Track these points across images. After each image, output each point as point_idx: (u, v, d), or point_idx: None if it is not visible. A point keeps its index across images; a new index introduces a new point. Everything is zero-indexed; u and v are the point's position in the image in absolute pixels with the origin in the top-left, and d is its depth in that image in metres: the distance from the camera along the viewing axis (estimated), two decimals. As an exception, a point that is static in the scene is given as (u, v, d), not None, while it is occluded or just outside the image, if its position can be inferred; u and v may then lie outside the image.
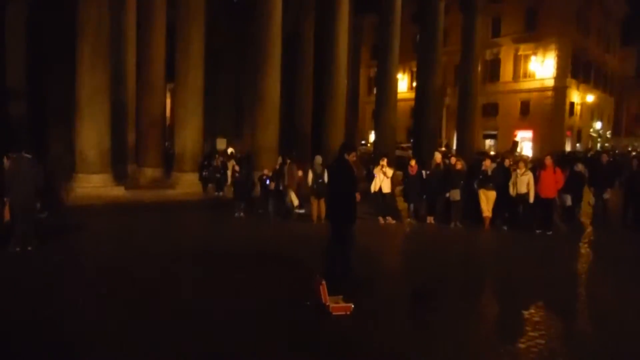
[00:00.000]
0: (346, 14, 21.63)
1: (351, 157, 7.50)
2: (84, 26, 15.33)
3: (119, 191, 15.78)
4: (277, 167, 14.59)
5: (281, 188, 13.80)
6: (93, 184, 15.28)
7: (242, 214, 13.92)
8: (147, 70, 19.62)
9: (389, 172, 13.55)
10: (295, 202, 13.72)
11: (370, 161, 21.14)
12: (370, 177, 14.27)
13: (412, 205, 13.95)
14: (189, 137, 17.80)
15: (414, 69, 40.07)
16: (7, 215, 8.71)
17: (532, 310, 6.54)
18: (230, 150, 21.52)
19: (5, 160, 9.53)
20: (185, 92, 17.74)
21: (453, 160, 14.38)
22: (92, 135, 15.49)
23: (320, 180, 12.97)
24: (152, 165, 19.52)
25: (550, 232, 12.33)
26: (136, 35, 20.36)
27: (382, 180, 13.45)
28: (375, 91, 26.94)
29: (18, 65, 21.61)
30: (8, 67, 20.86)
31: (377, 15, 25.50)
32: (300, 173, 13.94)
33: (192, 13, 17.42)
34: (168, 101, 22.91)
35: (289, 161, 14.23)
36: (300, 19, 25.16)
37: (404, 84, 47.07)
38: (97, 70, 15.42)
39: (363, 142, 44.19)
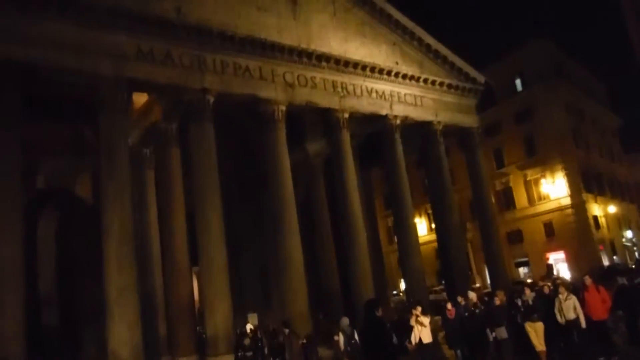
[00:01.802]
0: (352, 170, 22.66)
1: (380, 312, 7.26)
2: (109, 228, 16.13)
3: (153, 388, 15.17)
4: (276, 336, 14.04)
5: None
6: (127, 384, 14.77)
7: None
8: (172, 257, 20.08)
9: (425, 320, 13.02)
10: None
11: (405, 310, 20.45)
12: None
13: (458, 351, 13.17)
14: (219, 319, 17.56)
15: (430, 211, 40.70)
16: None
17: None
18: (249, 327, 20.98)
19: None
20: (211, 274, 17.93)
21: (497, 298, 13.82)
22: (123, 332, 15.39)
23: (352, 342, 12.45)
24: (186, 354, 18.95)
25: (616, 358, 11.37)
26: (158, 224, 21.29)
27: (421, 330, 12.88)
28: (396, 239, 27.08)
29: (49, 272, 22.34)
30: (40, 277, 21.51)
31: (382, 167, 26.67)
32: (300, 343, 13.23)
33: (209, 201, 18.33)
34: (195, 284, 23.05)
35: (286, 331, 13.31)
36: (311, 184, 26.39)
37: (423, 227, 47.38)
38: (124, 268, 15.86)
39: (395, 291, 43.17)
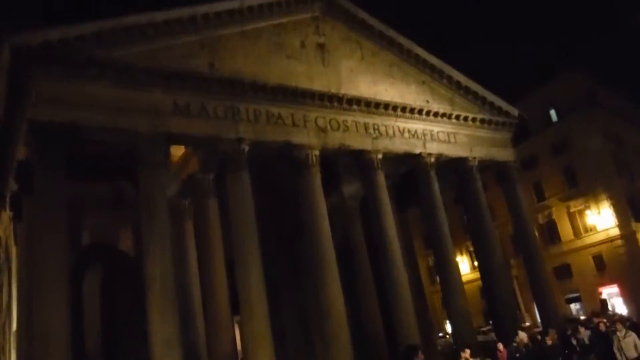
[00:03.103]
0: (389, 211, 22.40)
1: (420, 358, 7.00)
2: (151, 280, 16.33)
3: None
4: None
5: None
6: None
7: None
8: (213, 308, 20.03)
9: (477, 363, 12.51)
10: None
11: (454, 353, 19.69)
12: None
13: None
14: (262, 368, 17.30)
15: (471, 248, 39.75)
16: None
17: None
18: None
19: None
20: (252, 323, 17.79)
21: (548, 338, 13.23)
22: (167, 386, 15.30)
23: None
24: (230, 406, 18.67)
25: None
26: (199, 275, 21.42)
27: (472, 374, 12.36)
28: (438, 279, 26.43)
29: (94, 328, 22.57)
30: (86, 333, 21.75)
31: (419, 206, 26.34)
32: None
33: (247, 250, 18.40)
34: (237, 333, 22.90)
35: None
36: (348, 226, 26.24)
37: (465, 265, 46.20)
38: (167, 320, 15.93)
39: (441, 334, 41.80)
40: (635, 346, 11.07)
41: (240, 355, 22.53)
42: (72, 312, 15.35)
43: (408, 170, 25.06)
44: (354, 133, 22.27)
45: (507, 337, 17.82)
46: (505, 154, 27.67)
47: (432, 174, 24.24)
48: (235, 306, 19.02)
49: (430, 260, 42.76)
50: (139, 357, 17.79)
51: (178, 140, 19.30)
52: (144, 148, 17.52)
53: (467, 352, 12.85)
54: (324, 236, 19.97)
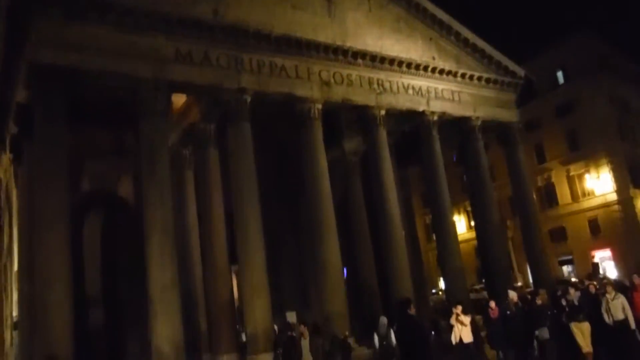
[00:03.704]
0: (389, 168, 22.44)
1: (412, 311, 7.13)
2: (151, 227, 16.52)
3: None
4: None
5: None
6: (170, 381, 15.09)
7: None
8: (211, 256, 20.37)
9: (466, 319, 12.81)
10: None
11: (445, 310, 20.17)
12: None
13: (500, 352, 12.90)
14: (259, 317, 17.74)
15: (469, 208, 40.03)
16: None
17: None
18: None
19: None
20: (250, 273, 18.13)
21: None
22: (166, 330, 15.74)
23: (385, 343, 12.35)
24: (226, 351, 19.21)
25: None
26: (198, 224, 21.68)
27: (461, 329, 12.68)
28: (434, 237, 26.76)
29: (94, 273, 22.99)
30: (86, 277, 22.18)
31: (420, 164, 26.37)
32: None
33: (246, 201, 18.53)
34: (235, 282, 23.36)
35: (302, 327, 12.20)
36: (348, 182, 26.32)
37: (461, 224, 46.60)
38: (166, 267, 16.22)
39: (434, 290, 42.65)
40: (623, 308, 11.32)
41: (237, 303, 23.10)
42: (72, 256, 15.61)
43: (410, 128, 24.92)
44: (357, 88, 22.01)
45: (499, 296, 18.20)
46: (509, 115, 27.46)
47: (435, 132, 24.12)
48: (233, 256, 19.34)
49: (428, 219, 43.07)
50: (138, 302, 18.22)
51: (180, 88, 19.10)
52: (146, 95, 17.36)
53: (459, 308, 13.16)
54: (324, 189, 20.08)
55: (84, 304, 20.57)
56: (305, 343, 11.02)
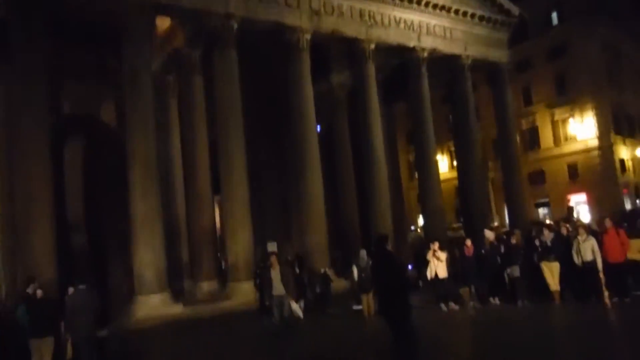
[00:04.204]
0: (376, 104, 22.33)
1: (390, 247, 7.27)
2: (133, 154, 16.39)
3: (177, 309, 15.93)
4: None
5: (267, 303, 11.82)
6: (152, 305, 15.51)
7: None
8: (194, 186, 20.43)
9: (442, 256, 13.23)
10: (299, 312, 11.79)
11: (422, 246, 20.74)
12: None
13: (472, 288, 13.41)
14: (240, 247, 18.07)
15: (452, 148, 40.27)
16: (70, 352, 8.75)
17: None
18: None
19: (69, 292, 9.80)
20: (232, 204, 18.28)
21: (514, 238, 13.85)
22: (147, 256, 15.98)
23: (363, 275, 12.75)
24: (207, 278, 19.71)
25: (628, 299, 11.48)
26: (182, 153, 21.55)
27: (437, 265, 13.11)
28: (417, 175, 27.08)
29: (76, 198, 22.94)
30: (68, 202, 22.14)
31: (407, 101, 26.23)
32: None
33: (231, 131, 18.37)
34: (217, 213, 23.55)
35: (273, 257, 11.76)
36: (334, 116, 26.14)
37: (444, 164, 47.00)
38: (148, 194, 16.23)
39: (412, 227, 43.59)
40: (592, 250, 11.73)
41: (219, 233, 23.42)
42: (53, 180, 15.50)
43: (399, 64, 24.54)
44: (348, 19, 21.41)
45: (476, 234, 18.73)
46: (499, 55, 27.14)
47: (424, 69, 23.83)
48: (217, 186, 19.40)
49: (411, 157, 43.27)
50: (121, 228, 18.36)
51: (165, 11, 18.38)
52: (130, 16, 16.71)
53: (436, 244, 13.55)
54: (309, 124, 19.96)
55: (66, 228, 20.66)
56: (275, 273, 11.17)
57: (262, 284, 12.92)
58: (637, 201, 43.09)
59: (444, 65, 25.37)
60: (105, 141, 22.85)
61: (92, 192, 22.79)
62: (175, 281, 18.78)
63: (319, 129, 21.23)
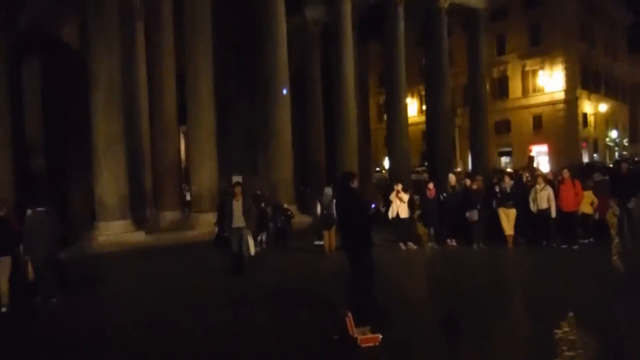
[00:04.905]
0: (350, 43, 21.95)
1: (355, 184, 7.27)
2: (97, 78, 15.78)
3: (139, 236, 15.92)
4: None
5: (226, 234, 11.43)
6: (114, 231, 15.45)
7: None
8: (160, 115, 19.99)
9: (405, 197, 13.51)
10: (252, 249, 11.24)
11: (386, 188, 21.08)
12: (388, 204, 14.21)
13: (432, 229, 13.82)
14: (204, 178, 17.98)
15: (423, 93, 40.30)
16: (30, 273, 8.73)
17: (567, 329, 6.35)
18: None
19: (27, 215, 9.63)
20: (198, 134, 18.00)
21: (468, 181, 14.25)
22: (110, 182, 15.75)
23: (325, 212, 12.96)
24: (171, 208, 19.66)
25: (576, 247, 12.09)
26: (147, 82, 20.85)
27: (399, 205, 13.40)
28: (386, 117, 27.12)
29: (35, 119, 22.13)
30: (26, 123, 21.35)
31: (381, 42, 25.84)
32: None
33: (200, 59, 17.80)
34: (182, 143, 23.17)
35: (237, 188, 11.16)
36: (306, 53, 25.59)
37: (413, 108, 47.19)
38: (112, 120, 15.80)
39: (377, 169, 44.11)
40: (548, 199, 12.21)
41: (184, 164, 23.15)
42: (9, 95, 14.85)
43: (376, 3, 23.95)
44: (326, -49, 20.59)
45: (439, 178, 19.12)
46: (477, 1, 26.76)
47: (400, 10, 23.40)
48: (183, 116, 18.99)
49: (381, 99, 43.21)
50: (83, 153, 17.90)
51: None
52: None
53: (400, 186, 13.79)
54: (280, 58, 19.52)
55: (24, 151, 20.05)
56: (237, 205, 10.96)
57: (222, 214, 12.53)
58: (595, 155, 44.61)
59: (421, 6, 24.89)
60: (66, 62, 21.82)
61: (52, 115, 21.98)
62: (139, 209, 18.65)
63: (290, 65, 20.75)
